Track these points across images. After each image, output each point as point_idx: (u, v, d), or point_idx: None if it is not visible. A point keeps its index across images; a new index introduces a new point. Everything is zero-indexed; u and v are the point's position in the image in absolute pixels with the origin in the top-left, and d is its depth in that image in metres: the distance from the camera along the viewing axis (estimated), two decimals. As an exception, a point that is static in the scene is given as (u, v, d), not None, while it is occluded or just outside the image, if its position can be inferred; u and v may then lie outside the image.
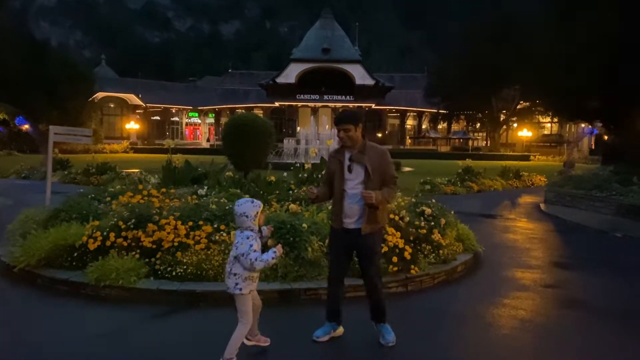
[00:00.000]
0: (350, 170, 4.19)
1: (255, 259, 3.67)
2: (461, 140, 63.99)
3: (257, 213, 3.78)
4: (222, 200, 6.54)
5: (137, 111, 69.02)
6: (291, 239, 5.65)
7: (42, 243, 5.90)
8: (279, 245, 3.83)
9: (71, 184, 18.89)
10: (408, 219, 6.67)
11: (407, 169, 31.34)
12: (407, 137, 70.72)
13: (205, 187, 7.53)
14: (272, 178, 7.92)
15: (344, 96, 62.16)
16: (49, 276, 5.69)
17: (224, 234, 5.85)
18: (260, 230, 3.96)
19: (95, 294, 5.41)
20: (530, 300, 5.86)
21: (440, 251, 6.63)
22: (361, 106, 62.41)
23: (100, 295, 5.40)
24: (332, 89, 61.13)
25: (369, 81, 62.29)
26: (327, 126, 50.72)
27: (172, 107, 71.83)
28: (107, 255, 5.66)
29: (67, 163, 22.64)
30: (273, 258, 3.68)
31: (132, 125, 63.73)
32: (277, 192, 7.46)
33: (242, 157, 8.15)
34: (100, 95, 63.07)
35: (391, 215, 6.46)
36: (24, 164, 24.06)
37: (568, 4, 16.95)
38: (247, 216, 3.76)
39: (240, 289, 3.77)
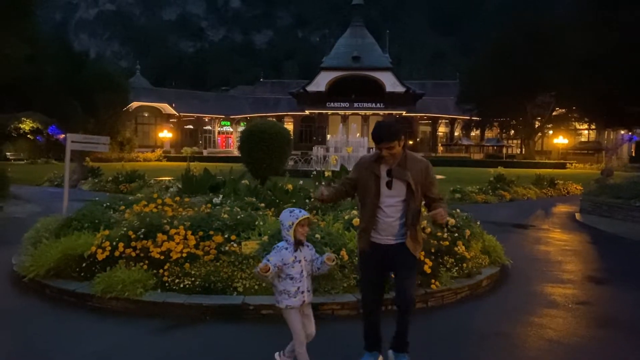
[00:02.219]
0: (389, 187, 3.71)
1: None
2: (495, 147, 62.72)
3: (293, 224, 3.51)
4: (235, 209, 6.34)
5: (170, 120, 70.20)
6: (303, 250, 5.37)
7: (51, 253, 5.80)
8: (264, 265, 3.40)
9: (101, 191, 19.08)
10: (430, 230, 6.33)
11: (438, 177, 30.73)
12: (439, 145, 69.78)
13: (221, 196, 7.36)
14: (290, 186, 7.70)
15: (374, 104, 61.86)
16: (57, 287, 5.58)
17: (234, 245, 5.63)
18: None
19: (101, 305, 5.26)
20: (560, 318, 5.44)
21: (464, 264, 6.26)
22: (391, 113, 61.96)
23: (106, 307, 5.25)
24: (362, 96, 60.89)
25: (400, 88, 61.82)
26: (357, 134, 50.49)
27: (205, 116, 72.77)
28: (115, 265, 5.52)
29: (98, 171, 22.94)
30: (256, 271, 3.43)
31: (165, 134, 64.75)
32: (294, 200, 7.23)
33: (259, 165, 7.96)
34: (134, 104, 64.47)
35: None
36: (57, 172, 24.50)
37: (607, 4, 16.34)
38: (282, 225, 3.59)
39: (278, 302, 3.63)
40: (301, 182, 7.88)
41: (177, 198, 6.90)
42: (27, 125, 22.95)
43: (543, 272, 7.48)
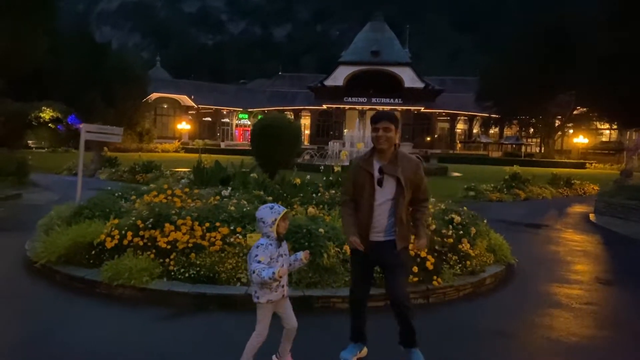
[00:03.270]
0: (380, 184, 3.73)
1: (253, 272, 3.46)
2: (514, 145, 62.07)
3: (275, 220, 3.53)
4: (242, 202, 6.43)
5: (189, 112, 70.76)
6: (306, 244, 5.44)
7: (62, 240, 5.95)
8: (282, 269, 3.46)
9: (118, 181, 19.36)
10: (435, 226, 6.36)
11: (455, 174, 30.67)
12: (457, 142, 69.31)
13: (229, 189, 7.46)
14: (298, 180, 7.76)
15: (392, 99, 61.61)
16: (66, 273, 5.73)
17: (240, 237, 5.72)
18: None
19: (109, 292, 5.40)
20: (564, 318, 5.43)
21: (468, 262, 6.27)
22: (410, 109, 61.71)
23: (113, 294, 5.38)
24: (381, 91, 60.68)
25: (419, 84, 61.48)
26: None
27: (223, 109, 73.18)
28: (124, 254, 5.65)
29: (115, 161, 23.27)
30: (270, 278, 3.39)
31: (184, 126, 65.27)
32: (301, 194, 7.29)
33: (268, 159, 8.03)
34: (154, 96, 65.12)
35: (415, 223, 6.16)
36: (76, 160, 24.81)
37: (630, 2, 16.07)
38: (263, 222, 3.58)
39: (258, 298, 3.61)
40: (308, 176, 7.94)
41: (187, 189, 7.01)
42: (47, 114, 23.37)
43: (550, 272, 7.44)
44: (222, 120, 74.84)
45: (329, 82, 62.69)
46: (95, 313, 5.04)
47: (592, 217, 13.83)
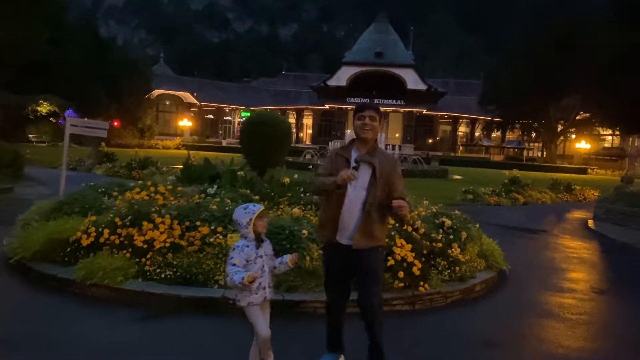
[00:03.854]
0: (355, 172, 3.37)
1: (228, 275, 3.30)
2: (515, 149, 61.75)
3: (250, 220, 3.35)
4: (225, 201, 6.23)
5: (191, 109, 70.62)
6: (288, 245, 5.25)
7: (37, 236, 5.77)
8: (251, 276, 3.22)
9: (115, 177, 19.18)
10: (423, 230, 6.15)
11: (455, 176, 30.47)
12: (459, 145, 69.00)
13: (215, 186, 7.26)
14: (287, 179, 7.56)
15: (394, 100, 61.35)
16: (40, 270, 5.54)
17: (220, 237, 5.52)
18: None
19: (82, 292, 5.20)
20: (555, 329, 5.22)
21: (457, 267, 6.06)
22: (412, 111, 61.49)
23: (86, 293, 5.19)
24: (383, 93, 60.39)
25: (422, 86, 61.24)
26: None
27: (226, 107, 73.00)
28: (100, 252, 5.46)
29: (113, 156, 23.12)
30: (240, 283, 3.20)
31: (185, 123, 65.11)
32: (290, 194, 7.08)
33: (257, 157, 7.83)
34: (157, 92, 64.99)
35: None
36: (73, 155, 24.75)
37: (636, 4, 15.81)
38: (239, 224, 3.42)
39: (239, 301, 3.46)
40: (296, 175, 7.73)
41: (170, 187, 6.81)
42: (44, 108, 23.21)
43: (543, 280, 7.23)
44: (225, 118, 74.69)
45: (332, 82, 62.45)
46: (66, 313, 4.85)
47: (590, 223, 13.60)
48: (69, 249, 5.65)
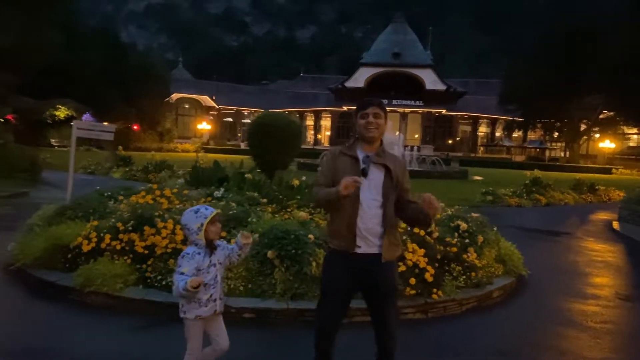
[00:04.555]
0: (365, 174, 3.03)
1: (174, 284, 2.99)
2: (537, 149, 60.72)
3: (202, 225, 3.04)
4: (231, 204, 6.04)
5: (210, 112, 71.04)
6: (293, 251, 5.02)
7: (38, 241, 5.64)
8: (195, 280, 2.87)
9: (131, 180, 19.23)
10: (437, 234, 5.87)
11: (476, 177, 29.97)
12: (479, 145, 68.14)
13: (222, 189, 7.07)
14: (296, 182, 7.34)
15: (413, 101, 60.88)
16: (40, 277, 5.41)
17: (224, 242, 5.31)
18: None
19: (81, 299, 5.04)
20: (576, 339, 4.89)
21: (473, 273, 5.77)
22: (431, 111, 60.91)
23: (85, 301, 5.03)
24: (402, 93, 59.95)
25: (440, 86, 60.63)
26: (397, 132, 49.63)
27: (244, 109, 73.22)
28: (101, 258, 5.30)
29: (129, 160, 23.20)
30: (184, 290, 2.87)
31: (204, 126, 65.47)
32: (299, 197, 6.86)
33: (265, 158, 7.65)
34: (175, 96, 65.58)
35: (415, 230, 5.69)
36: (92, 159, 24.92)
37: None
38: (188, 229, 3.10)
39: (184, 312, 3.14)
40: (304, 177, 7.51)
41: (175, 190, 6.64)
42: (62, 112, 23.43)
43: (565, 285, 6.88)
44: (243, 120, 74.87)
45: (349, 84, 62.19)
46: (62, 322, 4.70)
47: (615, 225, 13.11)
48: (69, 255, 5.50)
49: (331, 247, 3.19)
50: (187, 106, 70.66)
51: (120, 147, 23.42)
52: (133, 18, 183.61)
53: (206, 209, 3.17)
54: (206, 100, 69.94)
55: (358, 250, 3.05)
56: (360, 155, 3.11)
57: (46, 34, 17.84)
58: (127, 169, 21.69)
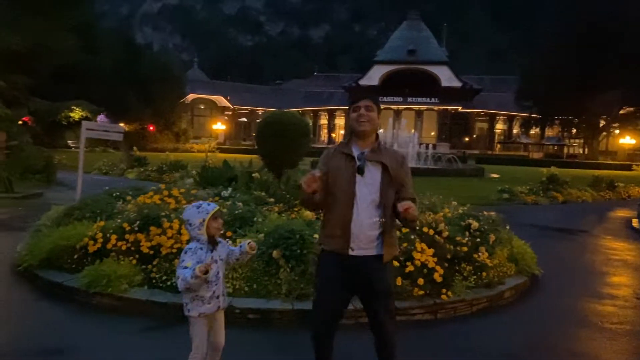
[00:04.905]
0: (361, 172, 2.93)
1: (178, 277, 2.96)
2: (555, 146, 59.90)
3: (204, 221, 3.03)
4: (237, 204, 5.98)
5: (225, 112, 71.34)
6: (298, 251, 4.95)
7: (45, 242, 5.64)
8: (203, 265, 2.85)
9: (146, 180, 19.32)
10: (447, 233, 5.75)
11: (493, 175, 29.66)
12: (496, 142, 67.45)
13: (230, 189, 7.03)
14: (305, 181, 7.23)
15: (428, 98, 60.45)
16: (47, 278, 5.40)
17: (229, 242, 5.25)
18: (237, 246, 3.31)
19: (87, 300, 5.02)
20: (590, 340, 4.75)
21: (484, 273, 5.64)
22: (447, 109, 60.44)
23: (91, 302, 5.00)
24: (417, 91, 59.55)
25: (456, 83, 60.13)
26: (412, 130, 49.31)
27: (259, 109, 73.34)
28: (107, 258, 5.28)
29: (144, 160, 23.32)
30: (192, 277, 2.85)
31: (219, 126, 65.78)
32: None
33: (273, 158, 7.58)
34: (191, 96, 65.99)
35: (424, 229, 5.59)
36: (107, 160, 25.12)
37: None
38: (190, 224, 3.08)
39: (189, 310, 3.13)
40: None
41: (183, 190, 6.61)
42: (77, 113, 23.66)
43: (580, 285, 6.70)
44: (257, 120, 75.00)
45: (363, 82, 61.96)
46: (67, 324, 4.68)
47: (635, 222, 12.81)
48: (76, 256, 5.49)
49: (324, 248, 3.10)
50: (202, 106, 71.08)
51: (135, 148, 23.57)
52: (148, 19, 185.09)
53: (208, 204, 3.15)
54: (221, 100, 70.26)
55: (352, 253, 2.95)
56: (356, 152, 3.01)
57: (62, 37, 18.00)
58: (142, 170, 21.80)
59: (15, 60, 17.74)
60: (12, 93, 18.64)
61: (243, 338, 4.40)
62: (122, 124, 49.59)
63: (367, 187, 2.94)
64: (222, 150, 56.24)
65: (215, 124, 66.74)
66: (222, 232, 3.23)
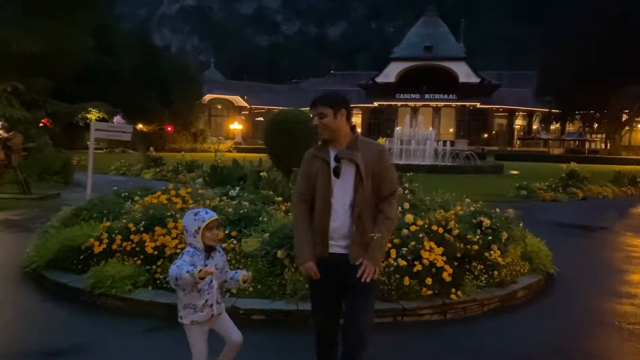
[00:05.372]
0: (337, 174, 2.90)
1: (171, 274, 2.86)
2: (576, 142, 58.87)
3: (199, 229, 2.95)
4: (243, 203, 5.92)
5: (242, 112, 71.64)
6: (301, 251, 4.85)
7: (52, 243, 5.65)
8: (204, 271, 2.78)
9: (162, 180, 19.43)
10: (458, 231, 5.60)
11: (512, 172, 29.27)
12: (516, 138, 66.59)
13: (237, 188, 6.97)
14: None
15: (446, 95, 59.96)
16: (53, 279, 5.40)
17: (234, 242, 5.20)
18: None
19: (92, 301, 5.01)
20: (607, 341, 4.58)
21: (495, 272, 5.48)
22: (465, 105, 59.85)
23: (96, 303, 4.99)
24: (434, 87, 59.10)
25: (474, 79, 59.53)
26: (430, 127, 48.85)
27: (275, 109, 73.02)
28: (112, 259, 5.26)
29: (161, 161, 23.47)
30: (188, 273, 2.76)
31: (236, 126, 66.09)
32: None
33: (281, 156, 7.50)
34: (208, 97, 66.41)
35: (434, 227, 5.45)
36: (124, 160, 25.35)
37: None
38: (186, 230, 3.03)
39: (181, 318, 3.09)
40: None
41: (189, 190, 6.57)
42: (93, 115, 23.93)
43: (597, 283, 6.49)
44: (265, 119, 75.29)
45: (380, 79, 61.70)
46: (74, 325, 4.67)
47: (657, 218, 12.49)
48: (82, 257, 5.48)
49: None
50: (219, 107, 71.50)
51: (151, 148, 23.74)
52: (166, 21, 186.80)
53: (206, 212, 3.08)
54: (238, 100, 70.59)
55: (332, 251, 2.96)
56: (332, 154, 2.96)
57: (79, 39, 18.18)
58: (158, 170, 21.94)
59: (32, 63, 17.95)
60: (30, 96, 18.86)
61: (247, 339, 4.33)
62: (140, 125, 50.37)
63: (344, 188, 2.92)
64: (239, 150, 56.53)
65: (233, 124, 67.06)
66: (218, 241, 3.14)
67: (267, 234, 5.11)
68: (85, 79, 30.71)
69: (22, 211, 11.13)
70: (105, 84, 36.48)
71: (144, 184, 15.58)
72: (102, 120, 23.40)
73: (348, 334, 2.96)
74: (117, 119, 26.77)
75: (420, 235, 5.23)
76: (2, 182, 14.09)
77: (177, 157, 24.26)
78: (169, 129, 54.56)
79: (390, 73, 61.26)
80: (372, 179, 2.92)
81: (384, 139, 22.65)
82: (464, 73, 59.79)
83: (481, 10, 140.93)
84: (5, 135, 13.40)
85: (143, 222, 5.49)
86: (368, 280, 2.82)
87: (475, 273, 5.38)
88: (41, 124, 23.14)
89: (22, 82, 18.13)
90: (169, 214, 5.66)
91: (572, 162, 19.07)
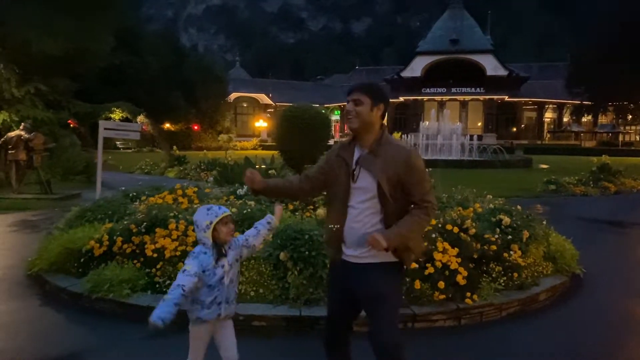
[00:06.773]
0: (354, 178, 2.69)
1: (176, 284, 2.71)
2: (609, 134, 57.08)
3: (211, 224, 2.81)
4: (248, 202, 5.69)
5: (268, 110, 71.76)
6: (307, 252, 4.60)
7: (54, 245, 5.52)
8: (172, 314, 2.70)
9: (184, 179, 19.42)
10: (475, 230, 5.26)
11: (542, 166, 28.51)
12: (546, 132, 64.98)
13: (246, 187, 6.76)
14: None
15: (473, 88, 58.83)
16: (53, 283, 5.27)
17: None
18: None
19: (90, 306, 4.84)
20: (636, 348, 4.20)
21: (515, 274, 5.13)
22: (492, 98, 58.68)
23: (94, 307, 4.82)
24: (461, 81, 58.06)
25: (502, 72, 58.24)
26: (457, 121, 47.97)
27: (301, 105, 73.40)
28: (112, 262, 5.10)
29: (184, 159, 23.54)
30: (183, 295, 2.68)
31: (261, 124, 66.24)
32: (325, 193, 6.42)
33: (293, 153, 7.25)
34: (234, 95, 66.76)
35: (448, 226, 5.13)
36: (149, 159, 25.51)
37: None
38: (197, 225, 2.89)
39: (188, 312, 2.97)
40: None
41: (196, 189, 6.38)
42: (117, 115, 24.15)
43: (628, 285, 6.07)
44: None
45: (405, 74, 60.91)
46: (72, 330, 4.53)
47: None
48: (82, 260, 5.33)
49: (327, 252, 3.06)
50: (245, 105, 71.77)
51: (174, 147, 23.84)
52: (192, 21, 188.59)
53: (219, 208, 2.97)
54: (263, 98, 70.73)
55: (344, 257, 2.77)
56: (357, 154, 2.74)
57: (102, 40, 18.31)
58: (182, 168, 22.01)
59: (56, 64, 18.11)
60: (53, 96, 19.06)
61: (247, 348, 4.10)
62: (167, 124, 50.89)
63: (362, 194, 2.69)
64: (265, 147, 56.64)
65: (258, 122, 67.23)
66: (231, 238, 2.99)
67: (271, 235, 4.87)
68: (111, 80, 31.07)
69: (40, 212, 11.15)
70: (132, 84, 36.94)
71: (165, 182, 15.59)
72: (126, 120, 23.60)
73: (373, 349, 2.69)
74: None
75: (433, 235, 4.92)
76: (26, 183, 14.25)
77: (199, 156, 24.34)
78: (196, 127, 55.05)
79: (416, 67, 60.41)
80: (396, 187, 2.67)
81: (399, 133, 22.18)
82: (492, 66, 58.55)
83: (508, 1, 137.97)
84: (26, 136, 13.50)
85: (145, 224, 5.31)
86: (375, 246, 2.56)
87: (493, 275, 5.05)
88: (70, 125, 23.53)
89: (45, 83, 18.30)
90: (172, 214, 5.47)
91: (603, 155, 18.34)
